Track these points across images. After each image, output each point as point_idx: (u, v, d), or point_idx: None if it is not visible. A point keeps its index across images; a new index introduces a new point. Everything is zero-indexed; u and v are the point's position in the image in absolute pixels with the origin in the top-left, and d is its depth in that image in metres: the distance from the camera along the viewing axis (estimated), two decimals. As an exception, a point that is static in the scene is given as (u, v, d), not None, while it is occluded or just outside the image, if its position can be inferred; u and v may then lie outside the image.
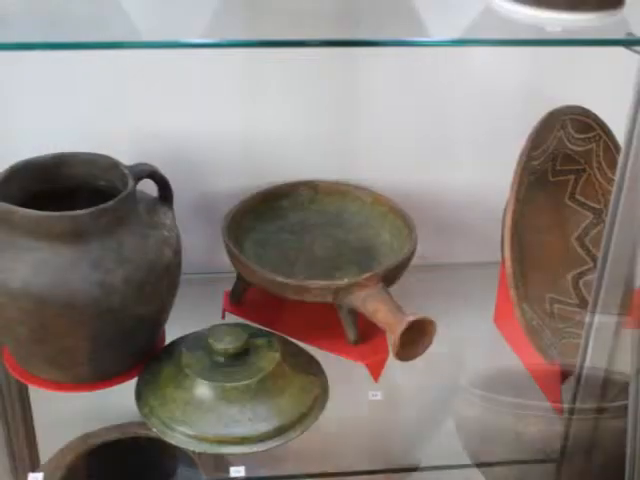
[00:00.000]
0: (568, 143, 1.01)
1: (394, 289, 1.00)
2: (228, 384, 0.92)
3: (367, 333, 1.02)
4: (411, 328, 0.92)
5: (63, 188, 0.97)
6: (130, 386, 0.97)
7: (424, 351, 0.95)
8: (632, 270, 0.82)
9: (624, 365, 0.99)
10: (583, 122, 1.01)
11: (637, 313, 1.07)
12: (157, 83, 1.08)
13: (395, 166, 1.17)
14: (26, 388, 1.06)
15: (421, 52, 1.08)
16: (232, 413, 0.91)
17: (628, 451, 0.83)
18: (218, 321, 1.06)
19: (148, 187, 0.98)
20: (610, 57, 0.86)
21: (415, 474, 1.27)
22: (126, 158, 0.98)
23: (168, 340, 1.02)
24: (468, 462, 0.98)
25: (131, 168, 0.95)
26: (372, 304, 0.96)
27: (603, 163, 1.04)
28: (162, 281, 0.93)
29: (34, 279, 0.86)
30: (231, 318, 1.07)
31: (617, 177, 0.78)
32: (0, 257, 0.87)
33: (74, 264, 0.87)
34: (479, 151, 1.18)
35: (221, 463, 0.98)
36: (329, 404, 0.97)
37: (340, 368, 1.01)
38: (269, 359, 0.95)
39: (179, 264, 0.97)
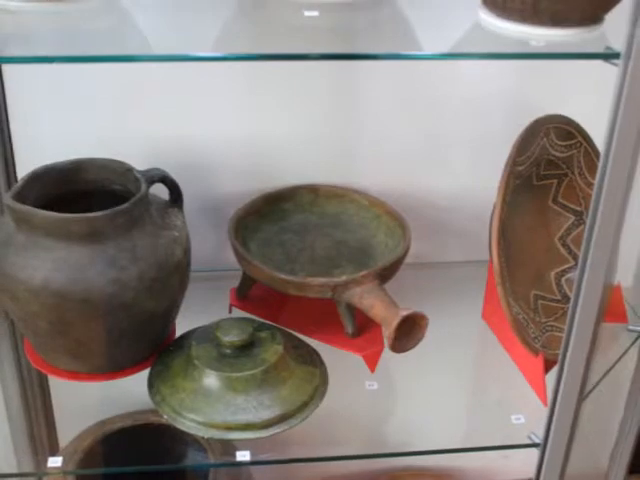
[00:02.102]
0: (551, 149, 1.01)
1: (389, 286, 1.00)
2: (234, 374, 0.93)
3: (364, 327, 1.02)
4: (405, 322, 0.92)
5: (80, 191, 0.97)
6: (143, 376, 0.97)
7: (417, 344, 0.95)
8: (611, 268, 0.82)
9: (603, 356, 1.00)
10: (565, 130, 1.01)
11: (614, 308, 1.08)
12: (167, 93, 1.08)
13: (391, 170, 1.17)
14: (46, 378, 1.06)
15: (416, 64, 1.08)
16: (238, 401, 0.92)
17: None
18: (225, 315, 1.06)
19: (160, 190, 0.98)
20: (591, 69, 0.86)
21: (409, 458, 1.27)
22: (139, 163, 0.98)
23: (178, 333, 1.02)
24: (459, 447, 0.98)
25: (144, 173, 0.95)
26: (368, 300, 0.97)
27: (584, 168, 1.04)
28: (173, 278, 0.93)
29: (53, 276, 0.86)
30: (237, 313, 1.07)
31: (597, 181, 0.78)
32: (22, 256, 0.87)
33: (91, 262, 0.87)
34: (468, 157, 1.18)
35: (228, 448, 0.98)
36: (329, 393, 0.97)
37: (339, 359, 1.01)
38: (273, 351, 0.96)
39: (189, 262, 0.97)
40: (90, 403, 1.05)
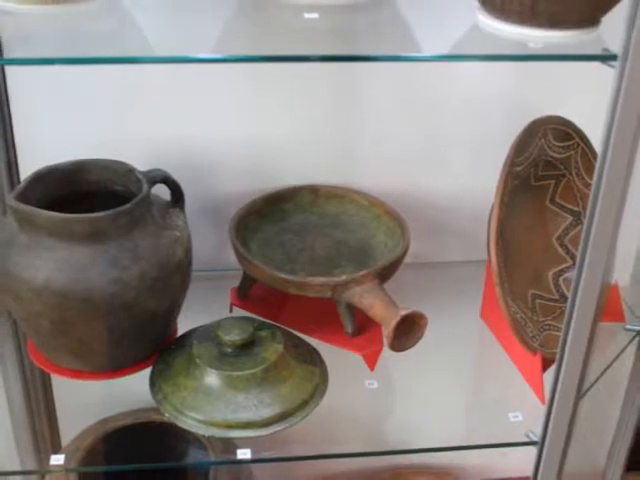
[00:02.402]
0: (549, 150, 1.01)
1: (389, 285, 1.00)
2: (235, 373, 0.93)
3: (363, 326, 1.02)
4: (404, 321, 0.92)
5: (83, 192, 0.97)
6: (144, 375, 0.97)
7: (416, 343, 0.95)
8: (608, 268, 0.83)
9: (600, 355, 1.00)
10: (563, 131, 1.01)
11: (612, 307, 1.08)
12: (167, 94, 1.08)
13: (391, 171, 1.18)
14: (49, 377, 1.06)
15: (415, 65, 1.08)
16: (239, 400, 0.92)
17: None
18: (226, 315, 1.06)
19: (161, 191, 0.98)
20: (588, 71, 0.86)
21: (408, 456, 1.27)
22: (140, 164, 0.98)
23: (180, 332, 1.03)
24: (458, 445, 0.98)
25: (145, 174, 0.95)
26: (368, 299, 0.97)
27: (581, 169, 1.04)
28: (174, 278, 0.93)
29: (56, 276, 0.86)
30: (238, 312, 1.08)
31: (594, 182, 0.79)
32: (25, 256, 0.88)
33: (92, 262, 0.87)
34: (468, 157, 1.18)
35: (229, 446, 0.98)
36: (328, 392, 0.97)
37: (339, 358, 1.01)
38: (273, 350, 0.96)
39: (190, 262, 0.97)
40: (92, 401, 1.05)
